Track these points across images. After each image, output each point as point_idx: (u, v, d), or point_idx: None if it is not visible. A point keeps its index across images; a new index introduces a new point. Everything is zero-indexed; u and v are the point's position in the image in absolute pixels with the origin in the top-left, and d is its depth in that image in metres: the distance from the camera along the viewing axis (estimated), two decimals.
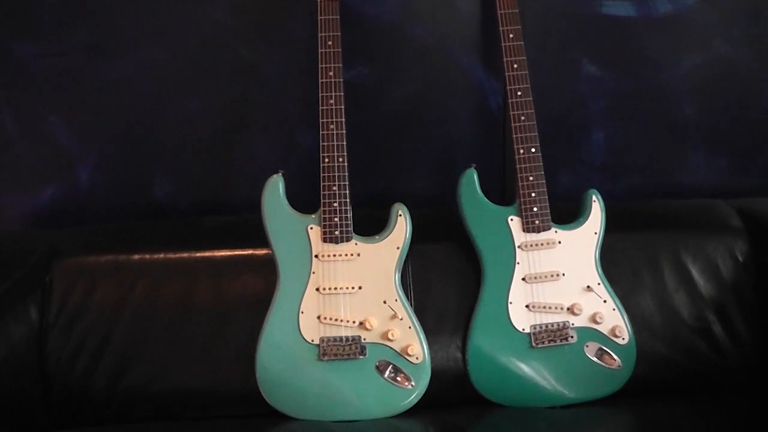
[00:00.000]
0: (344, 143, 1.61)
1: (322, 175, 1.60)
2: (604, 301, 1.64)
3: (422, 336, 1.60)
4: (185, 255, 1.69)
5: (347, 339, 1.58)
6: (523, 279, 1.62)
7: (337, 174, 1.60)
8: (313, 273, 1.59)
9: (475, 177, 1.65)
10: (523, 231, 1.63)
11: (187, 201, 1.90)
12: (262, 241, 1.62)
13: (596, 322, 1.62)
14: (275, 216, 1.60)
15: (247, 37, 1.82)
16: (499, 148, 1.92)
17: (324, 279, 1.59)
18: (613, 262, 1.69)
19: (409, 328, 1.59)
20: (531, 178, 1.63)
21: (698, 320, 1.70)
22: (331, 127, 1.61)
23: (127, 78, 1.83)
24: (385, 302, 1.60)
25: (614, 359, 1.63)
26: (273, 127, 1.87)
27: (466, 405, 1.63)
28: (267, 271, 1.62)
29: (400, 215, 1.62)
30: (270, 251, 1.60)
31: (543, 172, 1.64)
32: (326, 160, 1.60)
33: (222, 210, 1.88)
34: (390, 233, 1.61)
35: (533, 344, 1.61)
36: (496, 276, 1.63)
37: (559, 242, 1.64)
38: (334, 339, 1.58)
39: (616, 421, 1.62)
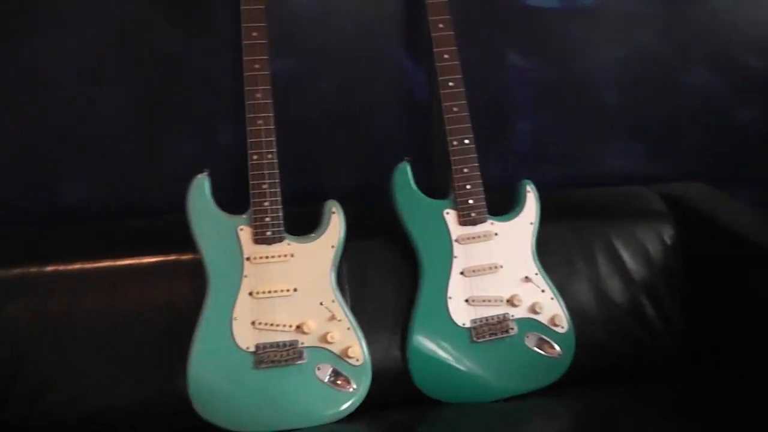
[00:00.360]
0: (273, 139, 1.54)
1: (251, 173, 1.52)
2: (543, 291, 1.63)
3: (361, 337, 1.54)
4: (106, 263, 1.58)
5: (284, 344, 1.51)
6: (462, 273, 1.59)
7: (266, 171, 1.53)
8: (245, 277, 1.52)
9: (409, 171, 1.60)
10: (460, 224, 1.60)
11: (103, 204, 1.78)
12: (189, 244, 1.53)
13: (536, 312, 1.61)
14: (202, 218, 1.52)
15: (164, 27, 1.72)
16: (427, 140, 1.88)
17: (257, 282, 1.52)
18: (549, 252, 1.68)
19: (348, 329, 1.54)
20: (465, 170, 1.61)
21: (632, 305, 1.71)
22: (259, 122, 1.53)
23: (34, 70, 1.69)
24: (321, 304, 1.54)
25: (554, 348, 1.62)
26: (195, 123, 1.77)
27: (409, 404, 1.59)
28: (196, 277, 1.53)
29: (334, 212, 1.56)
30: (198, 255, 1.52)
31: (477, 164, 1.62)
32: (255, 157, 1.53)
33: (142, 213, 1.78)
34: (324, 232, 1.55)
35: (474, 339, 1.58)
36: (434, 271, 1.59)
37: (496, 234, 1.62)
38: (271, 345, 1.51)
39: (557, 409, 1.61)
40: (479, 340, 1.58)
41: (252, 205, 1.52)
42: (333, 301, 1.54)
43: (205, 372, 1.49)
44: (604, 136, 1.99)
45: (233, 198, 1.56)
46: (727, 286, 1.69)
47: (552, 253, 1.69)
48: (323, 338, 1.52)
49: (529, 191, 1.65)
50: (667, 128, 2.01)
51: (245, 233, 1.52)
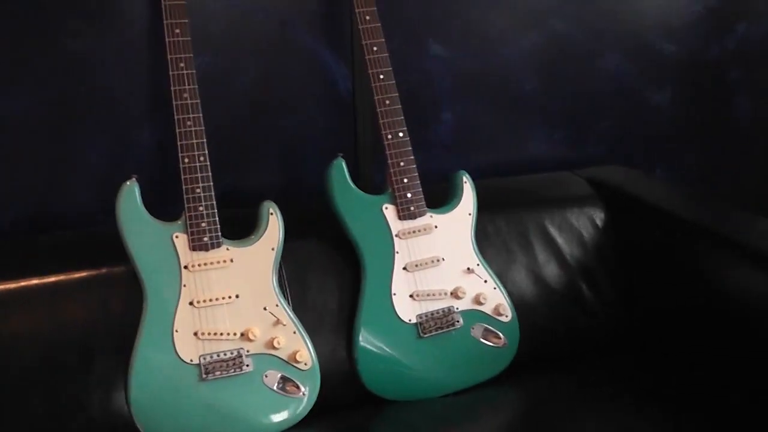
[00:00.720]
0: (204, 140, 1.47)
1: (183, 176, 1.45)
2: (485, 282, 1.63)
3: (308, 340, 1.50)
4: (21, 284, 1.46)
5: (230, 353, 1.45)
6: (404, 268, 1.57)
7: (199, 174, 1.46)
8: (184, 286, 1.44)
9: (345, 167, 1.57)
10: (399, 219, 1.58)
11: (10, 218, 1.66)
12: (118, 256, 1.45)
13: (480, 303, 1.61)
14: (134, 227, 1.43)
15: (71, 23, 1.60)
16: (352, 134, 1.85)
17: (197, 291, 1.45)
18: (487, 241, 1.69)
19: (294, 333, 1.49)
20: (402, 164, 1.58)
21: (570, 289, 1.74)
22: (189, 123, 1.46)
23: None
24: (265, 308, 1.48)
25: (500, 338, 1.62)
26: (109, 126, 1.67)
27: (359, 405, 1.56)
28: (129, 290, 1.45)
29: (272, 214, 1.51)
30: (131, 267, 1.43)
31: (413, 157, 1.60)
32: (186, 160, 1.45)
33: (56, 225, 1.67)
34: (263, 234, 1.50)
35: (421, 334, 1.57)
36: (377, 268, 1.56)
37: (436, 227, 1.60)
38: (216, 355, 1.44)
39: (506, 399, 1.61)
40: (426, 335, 1.57)
41: (187, 210, 1.45)
42: (276, 306, 1.49)
43: (148, 389, 1.41)
44: (524, 123, 2.01)
45: (156, 204, 1.48)
46: (657, 262, 1.73)
47: (490, 242, 1.70)
48: (269, 344, 1.47)
49: (465, 182, 1.65)
50: (586, 113, 2.05)
51: (181, 240, 1.45)
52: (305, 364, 1.49)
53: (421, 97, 1.90)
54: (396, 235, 1.57)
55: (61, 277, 1.46)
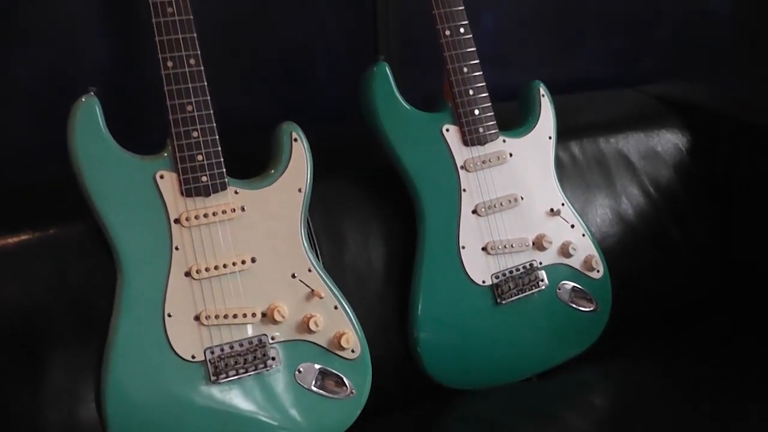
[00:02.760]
0: (195, 35, 1.00)
1: (166, 89, 0.98)
2: (572, 226, 1.22)
3: (353, 317, 1.06)
4: None
5: (248, 344, 1.00)
6: (474, 211, 1.15)
7: (191, 85, 0.99)
8: (176, 249, 0.98)
9: (389, 73, 1.12)
10: (465, 144, 1.15)
11: None
12: (73, 210, 0.98)
13: (567, 255, 1.21)
14: (97, 163, 0.95)
15: None
16: (370, 27, 1.39)
17: (196, 256, 0.99)
18: (561, 174, 1.27)
19: (336, 308, 1.05)
20: (465, 70, 1.15)
21: (657, 232, 1.38)
22: (170, 10, 0.99)
23: None
24: (294, 276, 1.04)
25: (591, 300, 1.23)
26: (46, 29, 1.17)
27: (418, 399, 1.15)
28: (96, 257, 0.98)
29: (296, 140, 1.05)
30: (98, 224, 0.96)
31: (477, 61, 1.16)
32: (170, 64, 0.98)
33: None
34: (284, 169, 1.04)
35: (498, 300, 1.15)
36: (438, 212, 1.13)
37: (511, 155, 1.18)
38: (229, 347, 0.99)
39: (602, 380, 1.23)
40: (504, 302, 1.16)
41: (175, 138, 0.98)
42: (309, 271, 1.04)
43: (131, 397, 0.96)
44: (572, 31, 1.61)
45: (122, 136, 1.00)
46: (757, 198, 1.37)
47: (565, 174, 1.29)
48: (303, 326, 1.03)
49: (542, 95, 1.23)
50: (639, 23, 1.66)
51: (168, 182, 0.98)
52: (352, 350, 1.05)
53: None
54: (462, 167, 1.15)
55: None
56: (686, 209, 1.40)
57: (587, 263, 1.22)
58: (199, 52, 1.00)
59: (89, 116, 0.95)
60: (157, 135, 1.02)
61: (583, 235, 1.23)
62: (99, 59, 1.20)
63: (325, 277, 1.05)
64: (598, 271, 1.23)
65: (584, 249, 1.22)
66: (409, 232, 1.14)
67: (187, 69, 0.99)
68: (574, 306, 1.21)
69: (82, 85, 0.99)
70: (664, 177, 1.39)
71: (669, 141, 1.41)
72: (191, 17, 0.99)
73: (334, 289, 1.06)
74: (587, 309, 1.22)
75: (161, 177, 0.98)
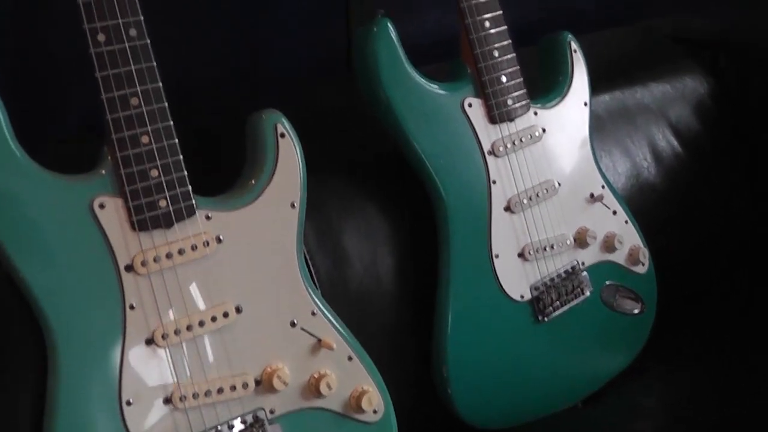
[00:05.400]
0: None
1: (99, 75, 0.66)
2: (614, 213, 0.99)
3: (373, 367, 0.80)
4: None
5: (240, 423, 0.72)
6: (507, 208, 0.89)
7: (136, 67, 0.67)
8: (131, 308, 0.68)
9: (393, 33, 0.83)
10: (491, 122, 0.88)
11: None
12: None
13: (612, 249, 0.97)
14: (13, 189, 0.64)
15: None
16: None
17: (160, 314, 0.69)
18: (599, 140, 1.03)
19: (350, 359, 0.78)
20: (488, 24, 0.87)
21: (693, 202, 1.15)
22: None
23: None
24: (294, 324, 0.76)
25: (638, 299, 1.01)
26: None
27: None
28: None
29: (283, 135, 0.76)
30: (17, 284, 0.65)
31: (501, 12, 0.89)
32: (101, 37, 0.66)
33: None
34: (270, 179, 0.75)
35: (540, 318, 0.91)
36: (464, 213, 0.87)
37: (544, 131, 0.93)
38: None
39: (659, 409, 1.01)
40: (548, 318, 0.92)
41: (117, 147, 0.67)
42: (314, 314, 0.77)
43: None
44: None
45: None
46: None
47: (602, 139, 1.05)
48: (311, 390, 0.76)
49: (575, 50, 0.97)
50: None
51: (111, 212, 0.67)
52: (375, 411, 0.79)
53: None
54: (489, 152, 0.88)
55: None
56: (723, 172, 1.19)
57: (632, 256, 0.99)
58: (141, 18, 0.68)
59: None
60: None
61: (626, 221, 1.00)
62: None
63: (333, 319, 0.78)
64: (643, 264, 1.01)
65: (629, 239, 0.99)
66: (427, 240, 0.87)
67: (127, 44, 0.67)
68: (620, 310, 0.99)
69: None
70: (697, 134, 1.17)
71: (693, 89, 1.19)
72: None
73: (345, 334, 0.78)
74: (635, 311, 1.00)
75: (101, 206, 0.67)
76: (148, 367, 0.69)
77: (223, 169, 0.77)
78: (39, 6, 0.85)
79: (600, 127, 1.08)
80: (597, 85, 1.07)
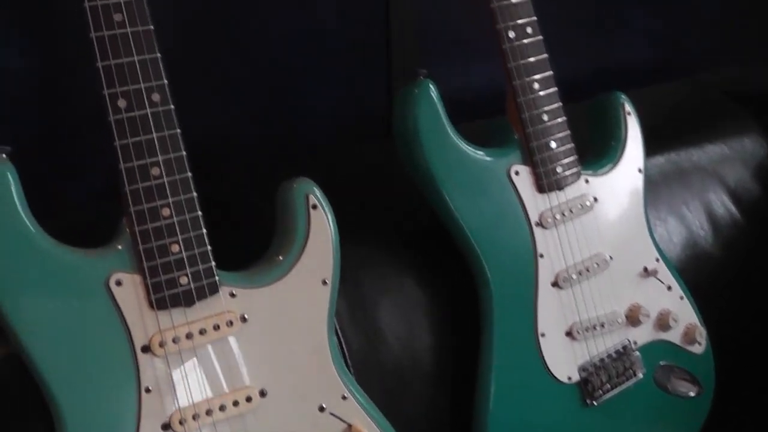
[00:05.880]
0: (157, 55, 0.64)
1: (119, 143, 0.62)
2: (669, 288, 0.92)
3: None
4: None
5: None
6: (555, 284, 0.83)
7: (158, 135, 0.63)
8: (147, 392, 0.63)
9: (435, 95, 0.79)
10: (540, 191, 0.83)
11: None
12: None
13: (666, 328, 0.90)
14: (18, 268, 0.60)
15: None
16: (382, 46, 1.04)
17: (177, 400, 0.64)
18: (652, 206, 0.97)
19: None
20: (536, 86, 0.82)
21: (759, 275, 1.07)
22: (118, 18, 0.63)
23: None
24: (323, 409, 0.70)
25: (695, 381, 0.93)
26: None
27: None
28: None
29: (315, 207, 0.71)
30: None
31: (551, 72, 0.84)
32: (122, 103, 0.62)
33: None
34: (301, 254, 0.70)
35: (589, 401, 0.85)
36: (508, 289, 0.81)
37: (596, 200, 0.87)
38: None
39: None
40: (597, 402, 0.85)
41: (135, 221, 0.63)
42: (344, 398, 0.71)
43: None
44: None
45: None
46: None
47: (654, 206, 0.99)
48: None
49: (629, 112, 0.91)
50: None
51: (128, 290, 0.63)
52: None
53: None
54: (537, 223, 0.82)
55: None
56: None
57: (688, 335, 0.92)
58: (165, 82, 0.64)
59: (5, 200, 0.59)
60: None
61: (682, 297, 0.93)
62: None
63: (365, 403, 0.72)
64: (699, 344, 0.93)
65: (685, 317, 0.92)
66: (467, 315, 0.82)
67: (149, 110, 0.63)
68: (675, 393, 0.92)
69: None
70: (752, 194, 1.10)
71: (753, 151, 1.12)
72: (150, 27, 0.63)
73: (378, 418, 0.73)
74: (691, 394, 0.93)
75: (117, 283, 0.63)
76: None
77: (251, 240, 0.72)
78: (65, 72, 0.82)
79: (654, 191, 1.01)
80: (649, 146, 1.01)
